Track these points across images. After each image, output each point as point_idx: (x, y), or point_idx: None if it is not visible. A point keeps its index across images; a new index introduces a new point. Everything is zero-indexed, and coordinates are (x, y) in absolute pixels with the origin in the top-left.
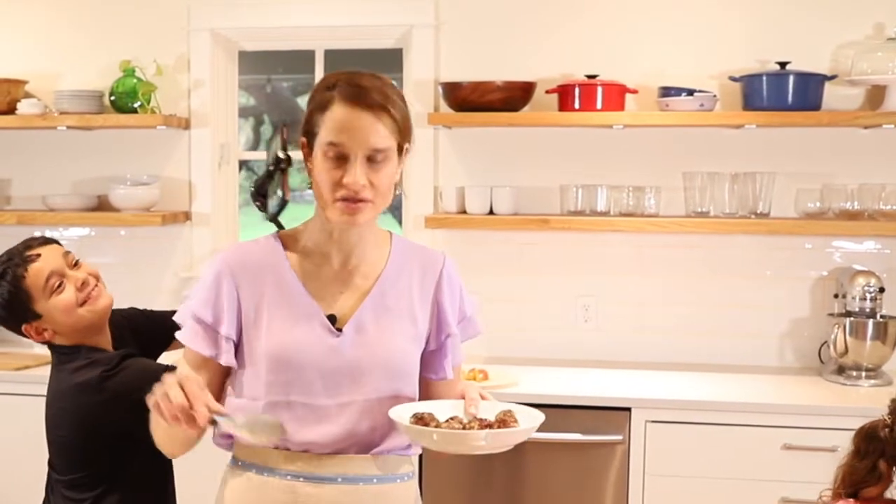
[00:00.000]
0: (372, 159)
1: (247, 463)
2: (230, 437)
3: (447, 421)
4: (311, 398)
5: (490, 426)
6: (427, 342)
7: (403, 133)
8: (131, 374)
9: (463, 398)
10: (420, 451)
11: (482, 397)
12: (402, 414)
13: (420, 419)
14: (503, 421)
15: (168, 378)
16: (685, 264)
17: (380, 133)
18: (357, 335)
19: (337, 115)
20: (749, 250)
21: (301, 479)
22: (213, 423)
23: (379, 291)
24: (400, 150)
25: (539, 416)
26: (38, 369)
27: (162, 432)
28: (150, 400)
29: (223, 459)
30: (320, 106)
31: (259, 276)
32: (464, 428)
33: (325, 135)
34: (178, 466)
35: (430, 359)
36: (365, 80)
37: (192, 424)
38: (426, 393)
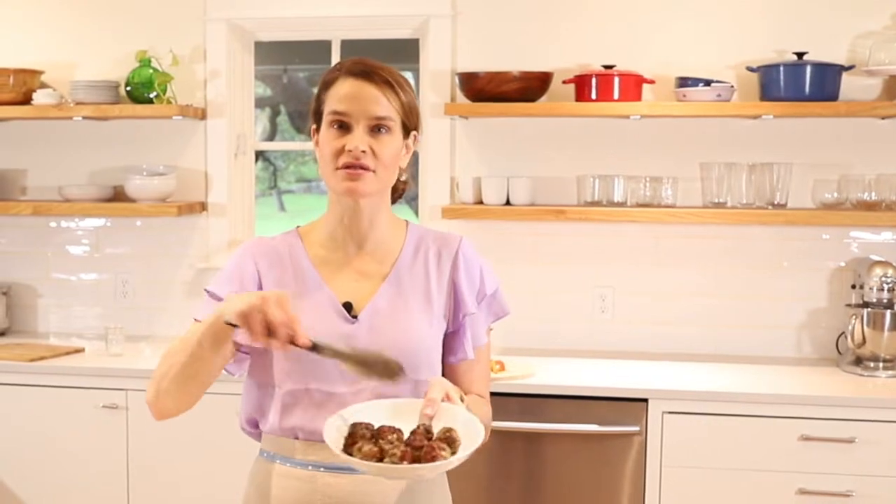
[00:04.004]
0: (375, 130)
1: (270, 453)
2: (257, 426)
3: (375, 435)
4: (329, 385)
5: (419, 448)
6: (447, 325)
7: (408, 114)
8: None
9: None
10: None
11: (448, 398)
12: (341, 422)
13: (352, 435)
14: (431, 447)
15: (264, 293)
16: (702, 255)
17: (382, 104)
18: (372, 321)
19: (342, 87)
20: (766, 241)
21: (321, 469)
22: (315, 348)
23: (395, 277)
24: (406, 132)
25: (476, 440)
26: (53, 360)
27: (178, 372)
28: (237, 312)
29: (248, 453)
30: (326, 84)
31: (279, 265)
32: (381, 452)
33: (330, 106)
34: (202, 459)
35: (450, 341)
36: (372, 61)
37: (285, 345)
38: (450, 376)
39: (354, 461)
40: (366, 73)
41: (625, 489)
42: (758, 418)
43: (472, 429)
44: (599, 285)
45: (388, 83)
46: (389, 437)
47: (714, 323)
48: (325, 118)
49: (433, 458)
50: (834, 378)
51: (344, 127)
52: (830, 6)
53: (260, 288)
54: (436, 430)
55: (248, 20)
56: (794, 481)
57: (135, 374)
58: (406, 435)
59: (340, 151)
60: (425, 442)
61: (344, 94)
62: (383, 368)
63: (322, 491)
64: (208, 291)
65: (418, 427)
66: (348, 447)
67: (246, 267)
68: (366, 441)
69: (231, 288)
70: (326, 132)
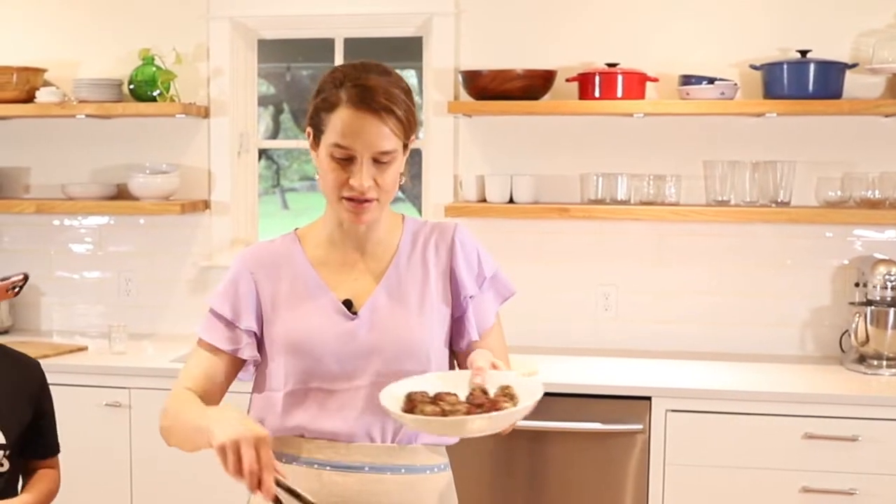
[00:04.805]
0: (378, 160)
1: (276, 452)
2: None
3: (434, 400)
4: (330, 384)
5: (481, 405)
6: (452, 312)
7: (408, 131)
8: None
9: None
10: (453, 441)
11: (493, 366)
12: (396, 392)
13: (410, 401)
14: (494, 401)
15: (244, 431)
16: (706, 253)
17: (385, 136)
18: (372, 318)
19: (343, 117)
20: (770, 239)
21: (328, 468)
22: (277, 501)
23: (394, 273)
24: (405, 146)
25: (536, 393)
26: (57, 358)
27: (182, 438)
28: (217, 443)
29: None
30: (327, 105)
31: (276, 271)
32: (443, 412)
33: (331, 136)
34: (206, 457)
35: (457, 327)
36: (372, 79)
37: (254, 488)
38: (461, 363)
39: (423, 419)
40: (366, 101)
41: (628, 487)
42: (761, 416)
43: (528, 384)
44: (603, 283)
45: (389, 109)
46: (448, 399)
47: (717, 321)
48: (326, 145)
49: (498, 410)
50: (837, 376)
51: (346, 159)
52: (834, 4)
53: (258, 301)
54: (492, 393)
55: (251, 18)
56: (797, 479)
57: (138, 372)
58: (462, 399)
59: (344, 184)
60: (485, 399)
61: (346, 127)
62: None
63: (329, 490)
64: (212, 311)
65: (474, 389)
66: (408, 412)
67: (241, 281)
68: (426, 404)
69: (228, 309)
70: (328, 161)
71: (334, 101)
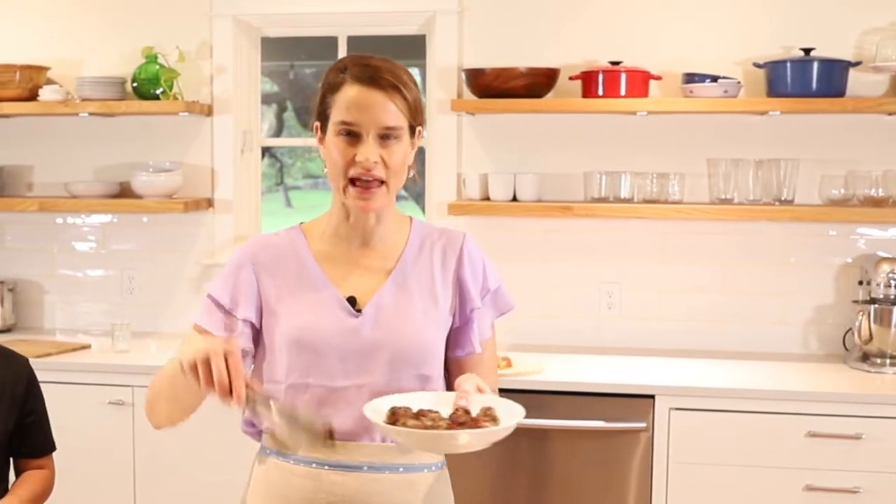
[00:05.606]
0: (384, 138)
1: (272, 450)
2: (254, 425)
3: (417, 415)
4: (330, 380)
5: (463, 423)
6: (452, 320)
7: (415, 114)
8: None
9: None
10: (438, 455)
11: (479, 389)
12: (379, 407)
13: (393, 414)
14: (476, 420)
15: (213, 344)
16: (709, 251)
17: (391, 112)
18: (377, 316)
19: (349, 94)
20: (773, 237)
21: (326, 467)
22: (250, 404)
23: (400, 272)
24: (412, 131)
25: (518, 415)
26: (60, 357)
27: (168, 395)
28: (187, 360)
29: (252, 449)
30: (332, 87)
31: (279, 264)
32: (425, 427)
33: (337, 114)
34: (207, 455)
35: (457, 335)
36: (376, 61)
37: (227, 399)
38: (457, 371)
39: (405, 431)
40: (372, 78)
41: (631, 486)
42: (765, 415)
43: (510, 407)
44: (606, 281)
45: (395, 87)
46: (431, 415)
47: (721, 319)
48: (333, 126)
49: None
50: (841, 374)
51: (353, 135)
52: (837, 2)
53: (258, 292)
54: (474, 414)
55: (254, 16)
56: (801, 478)
57: (141, 370)
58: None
59: (351, 162)
60: (467, 418)
61: (352, 103)
62: (309, 433)
63: (328, 489)
64: (210, 297)
65: (457, 409)
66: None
67: (242, 272)
68: (409, 419)
69: (227, 298)
70: (335, 140)
71: (340, 82)
